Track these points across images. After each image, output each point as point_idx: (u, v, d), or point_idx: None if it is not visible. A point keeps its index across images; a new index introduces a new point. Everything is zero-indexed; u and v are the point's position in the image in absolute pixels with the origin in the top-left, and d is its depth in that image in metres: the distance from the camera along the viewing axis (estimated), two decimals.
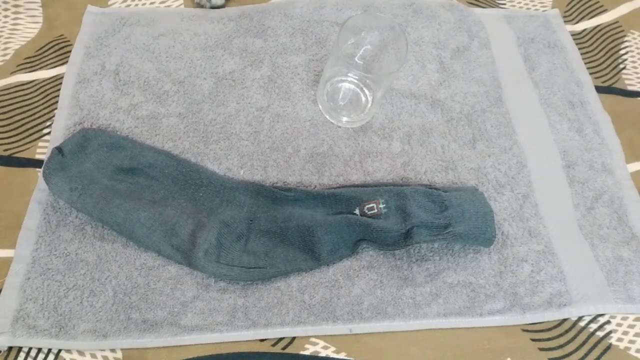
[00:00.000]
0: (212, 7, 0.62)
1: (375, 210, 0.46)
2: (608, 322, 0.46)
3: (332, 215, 0.47)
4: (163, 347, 0.42)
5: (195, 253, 0.43)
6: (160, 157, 0.48)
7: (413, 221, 0.45)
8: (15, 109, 0.53)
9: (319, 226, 0.45)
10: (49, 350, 0.42)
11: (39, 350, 0.42)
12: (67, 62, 0.56)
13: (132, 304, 0.43)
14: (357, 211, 0.47)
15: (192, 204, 0.47)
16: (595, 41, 0.64)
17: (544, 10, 0.67)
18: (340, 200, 0.47)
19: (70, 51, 0.57)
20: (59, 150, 0.46)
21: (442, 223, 0.45)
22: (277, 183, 0.50)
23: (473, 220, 0.45)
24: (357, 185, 0.49)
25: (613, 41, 0.64)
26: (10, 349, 0.42)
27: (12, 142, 0.51)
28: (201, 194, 0.47)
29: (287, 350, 0.43)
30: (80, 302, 0.43)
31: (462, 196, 0.47)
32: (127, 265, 0.45)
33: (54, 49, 0.57)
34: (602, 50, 0.64)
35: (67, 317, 0.43)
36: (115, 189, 0.45)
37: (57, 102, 0.53)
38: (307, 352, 0.43)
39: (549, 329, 0.46)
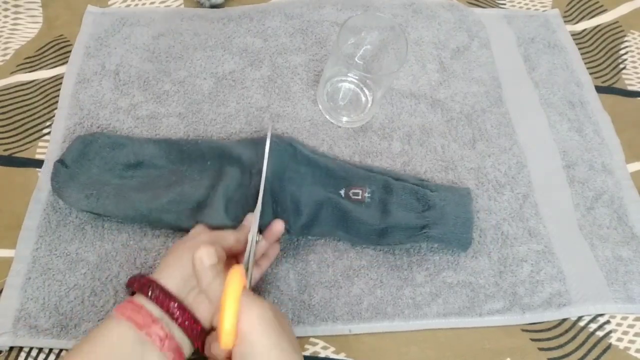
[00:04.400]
0: (212, 7, 0.62)
1: (359, 197, 0.47)
2: (608, 322, 0.47)
3: (318, 189, 0.47)
4: None
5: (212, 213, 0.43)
6: (161, 145, 0.49)
7: (389, 221, 0.45)
8: (15, 109, 0.53)
9: (302, 197, 0.46)
10: (50, 350, 0.42)
11: (40, 350, 0.42)
12: (67, 62, 0.56)
13: None
14: (342, 192, 0.47)
15: (206, 175, 0.47)
16: (595, 41, 0.64)
17: (544, 10, 0.67)
18: (331, 176, 0.48)
19: (70, 51, 0.57)
20: (61, 162, 0.46)
21: (420, 223, 0.45)
22: None
23: (450, 224, 0.45)
24: (354, 165, 0.49)
25: (613, 41, 0.64)
26: (10, 349, 0.42)
27: (12, 142, 0.51)
28: (209, 163, 0.48)
29: None
30: (82, 302, 0.43)
31: (447, 198, 0.47)
32: (128, 265, 0.45)
33: (54, 49, 0.57)
34: (602, 50, 0.64)
35: (69, 316, 0.43)
36: (129, 186, 0.46)
37: (57, 102, 0.53)
38: (307, 353, 0.43)
39: (549, 329, 0.46)
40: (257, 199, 0.42)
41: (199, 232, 0.42)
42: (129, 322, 0.34)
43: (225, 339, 0.31)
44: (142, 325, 0.34)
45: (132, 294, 0.38)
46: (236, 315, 0.31)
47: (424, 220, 0.45)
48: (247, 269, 0.37)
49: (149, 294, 0.35)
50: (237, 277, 0.32)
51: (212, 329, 0.37)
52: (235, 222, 0.44)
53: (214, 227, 0.43)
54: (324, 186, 0.48)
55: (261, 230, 0.42)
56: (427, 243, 0.47)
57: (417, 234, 0.45)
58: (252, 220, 0.41)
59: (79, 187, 0.45)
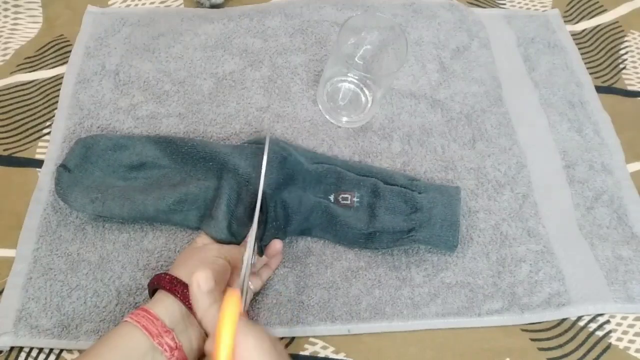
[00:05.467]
0: (212, 7, 0.62)
1: (348, 202, 0.47)
2: (607, 321, 0.47)
3: (308, 195, 0.47)
4: None
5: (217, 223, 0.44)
6: (162, 145, 0.48)
7: (377, 226, 0.46)
8: (15, 109, 0.53)
9: (292, 203, 0.46)
10: (50, 351, 0.42)
11: (40, 350, 0.42)
12: (67, 62, 0.56)
13: (136, 304, 0.43)
14: (332, 197, 0.48)
15: (210, 175, 0.47)
16: (595, 41, 0.64)
17: (544, 10, 0.67)
18: (321, 182, 0.48)
19: (70, 51, 0.57)
20: (64, 167, 0.46)
21: (407, 227, 0.46)
22: None
23: (437, 227, 0.45)
24: (345, 167, 0.49)
25: (613, 41, 0.64)
26: (11, 349, 0.42)
27: (12, 142, 0.51)
28: (210, 164, 0.48)
29: (287, 351, 0.43)
30: (84, 302, 0.43)
31: (435, 199, 0.47)
32: (130, 266, 0.45)
33: (54, 49, 0.58)
34: (602, 50, 0.64)
35: (70, 317, 0.43)
36: (133, 187, 0.46)
37: (57, 102, 0.53)
38: (306, 353, 0.43)
39: (548, 329, 0.46)
40: (253, 215, 0.43)
41: (206, 242, 0.43)
42: (143, 331, 0.35)
43: None
44: (155, 334, 0.35)
45: (153, 292, 0.39)
46: (232, 344, 0.30)
47: (411, 223, 0.46)
48: (242, 291, 0.37)
49: (176, 291, 0.37)
50: (233, 304, 0.32)
51: (204, 355, 0.38)
52: (238, 238, 0.44)
53: (217, 240, 0.44)
54: (314, 192, 0.48)
55: (261, 251, 0.43)
56: (414, 245, 0.47)
57: (404, 237, 0.45)
58: (248, 241, 0.40)
59: (84, 192, 0.44)
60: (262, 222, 0.44)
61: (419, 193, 0.47)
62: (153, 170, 0.48)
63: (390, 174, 0.50)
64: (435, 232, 0.45)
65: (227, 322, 0.31)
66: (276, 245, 0.43)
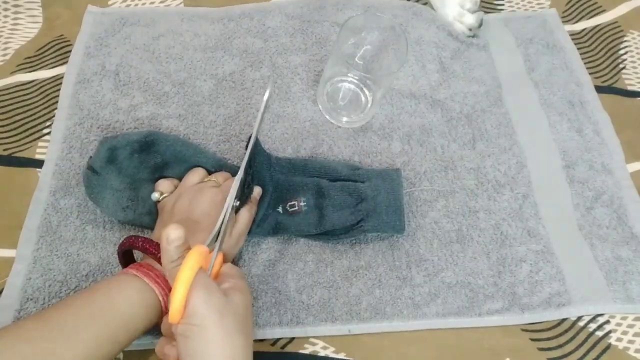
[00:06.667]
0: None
1: (296, 208, 0.48)
2: (607, 321, 0.47)
3: (261, 211, 0.47)
4: None
5: None
6: (184, 145, 0.48)
7: (327, 225, 0.46)
8: (15, 109, 0.53)
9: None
10: None
11: None
12: (67, 62, 0.56)
13: None
14: (280, 208, 0.48)
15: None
16: (594, 41, 0.64)
17: (540, 9, 0.66)
18: (269, 197, 0.48)
19: (70, 51, 0.57)
20: (91, 170, 0.45)
21: (355, 219, 0.46)
22: None
23: (383, 215, 0.46)
24: (288, 167, 0.50)
25: (612, 41, 0.64)
26: None
27: (12, 142, 0.51)
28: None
29: (286, 349, 0.43)
30: None
31: (378, 186, 0.47)
32: None
33: (54, 49, 0.58)
34: (601, 50, 0.64)
35: None
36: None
37: (57, 102, 0.53)
38: (306, 352, 0.43)
39: (548, 329, 0.46)
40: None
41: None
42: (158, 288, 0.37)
43: (172, 314, 0.32)
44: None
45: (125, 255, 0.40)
46: (184, 295, 0.32)
47: (358, 215, 0.46)
48: (217, 237, 0.37)
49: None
50: (193, 259, 0.33)
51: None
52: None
53: None
54: (264, 207, 0.47)
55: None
56: (364, 235, 0.48)
57: (354, 229, 0.46)
58: (231, 186, 0.40)
59: (114, 197, 0.45)
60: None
61: (362, 182, 0.48)
62: (175, 170, 0.47)
63: (333, 166, 0.50)
64: (382, 219, 0.46)
65: (184, 274, 0.32)
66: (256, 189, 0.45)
